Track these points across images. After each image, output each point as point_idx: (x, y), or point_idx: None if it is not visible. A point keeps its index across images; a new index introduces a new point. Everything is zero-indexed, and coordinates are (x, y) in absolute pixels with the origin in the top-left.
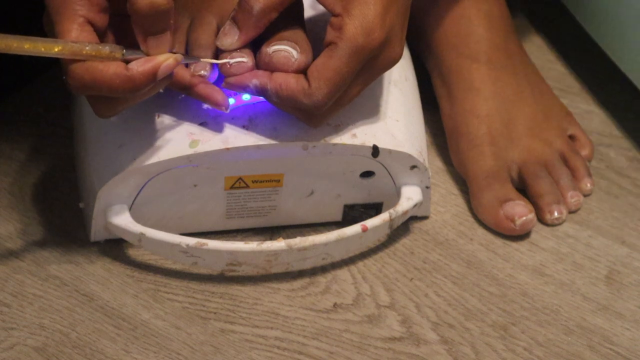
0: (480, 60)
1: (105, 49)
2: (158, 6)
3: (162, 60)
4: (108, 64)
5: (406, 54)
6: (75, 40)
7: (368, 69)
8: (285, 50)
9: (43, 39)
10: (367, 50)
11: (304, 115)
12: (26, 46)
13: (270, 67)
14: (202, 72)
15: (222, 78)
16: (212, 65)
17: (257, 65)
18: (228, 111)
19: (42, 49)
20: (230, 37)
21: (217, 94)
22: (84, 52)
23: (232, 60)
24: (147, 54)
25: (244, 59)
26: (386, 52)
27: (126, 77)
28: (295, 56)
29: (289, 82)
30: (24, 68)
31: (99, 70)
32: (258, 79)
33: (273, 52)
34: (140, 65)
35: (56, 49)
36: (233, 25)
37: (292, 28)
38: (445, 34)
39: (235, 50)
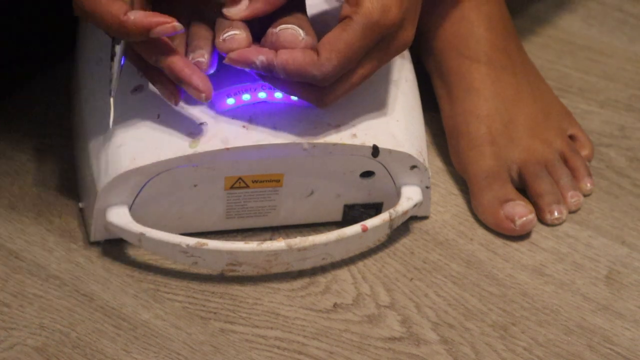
0: (480, 61)
1: None
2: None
3: (161, 21)
4: (112, 2)
5: (406, 54)
6: None
7: (381, 48)
8: (292, 28)
9: None
10: (381, 27)
11: (313, 95)
12: None
13: (276, 46)
14: (200, 59)
15: (223, 72)
16: (211, 55)
17: (263, 47)
18: (206, 101)
19: None
20: (238, 6)
21: (196, 77)
22: None
23: (224, 35)
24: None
25: (237, 31)
26: (400, 34)
27: (120, 21)
28: (302, 35)
29: (296, 55)
30: (24, 68)
31: (101, 4)
32: (264, 54)
33: (279, 30)
34: (138, 17)
35: None
36: None
37: (296, 16)
38: (446, 34)
39: (230, 27)
